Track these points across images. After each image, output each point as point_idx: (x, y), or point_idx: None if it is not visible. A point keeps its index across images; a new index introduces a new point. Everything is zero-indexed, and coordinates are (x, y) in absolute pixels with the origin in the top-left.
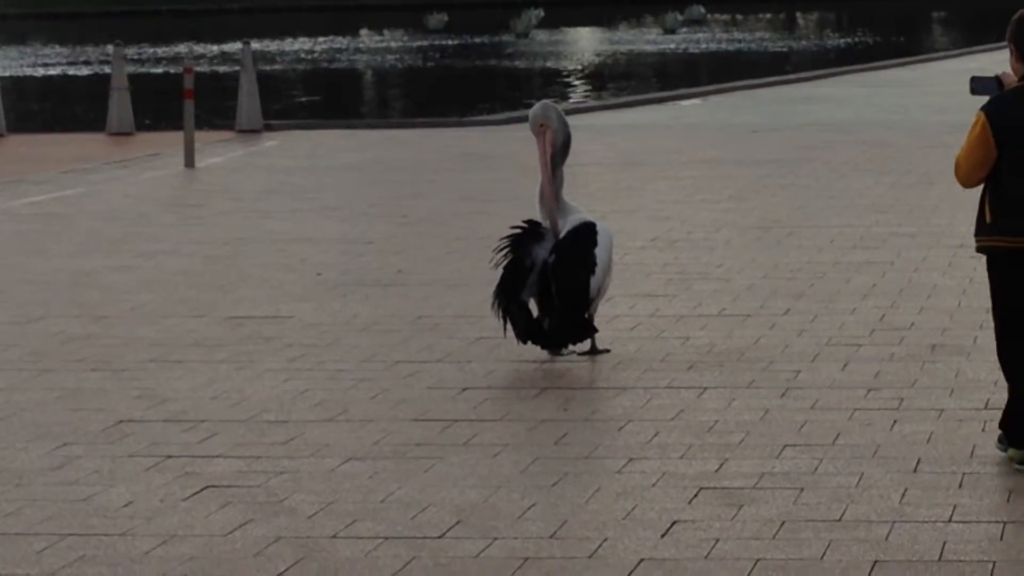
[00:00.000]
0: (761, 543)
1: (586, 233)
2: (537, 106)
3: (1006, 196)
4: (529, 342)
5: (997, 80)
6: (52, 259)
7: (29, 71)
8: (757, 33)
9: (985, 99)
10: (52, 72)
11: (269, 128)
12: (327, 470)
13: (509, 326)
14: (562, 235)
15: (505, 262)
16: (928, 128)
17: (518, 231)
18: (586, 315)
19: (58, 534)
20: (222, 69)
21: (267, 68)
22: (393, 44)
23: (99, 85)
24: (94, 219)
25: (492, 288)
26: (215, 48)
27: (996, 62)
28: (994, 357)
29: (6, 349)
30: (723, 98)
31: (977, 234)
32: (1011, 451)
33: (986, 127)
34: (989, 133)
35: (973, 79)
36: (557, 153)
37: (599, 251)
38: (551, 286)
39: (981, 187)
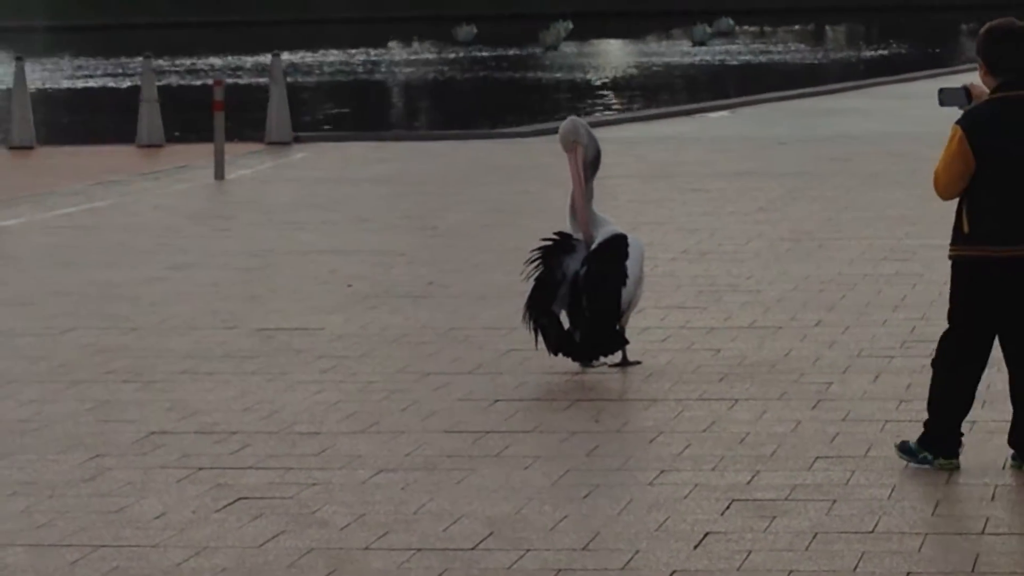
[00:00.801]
0: (794, 555)
1: (617, 245)
2: (567, 122)
3: (983, 207)
4: (560, 354)
5: (965, 91)
6: (82, 271)
7: (59, 83)
8: (786, 45)
9: (954, 109)
10: (82, 84)
11: (298, 140)
12: (359, 482)
13: (540, 338)
14: (593, 247)
15: (536, 274)
16: None
17: (549, 243)
18: (617, 327)
19: (91, 545)
20: (251, 81)
21: (296, 80)
22: (422, 56)
23: (129, 97)
24: (124, 231)
25: (523, 300)
26: (244, 60)
27: None
28: None
29: (37, 361)
30: (752, 110)
31: (953, 243)
32: (940, 461)
33: (964, 141)
34: (967, 146)
35: (941, 90)
36: (587, 167)
37: (630, 263)
38: (582, 298)
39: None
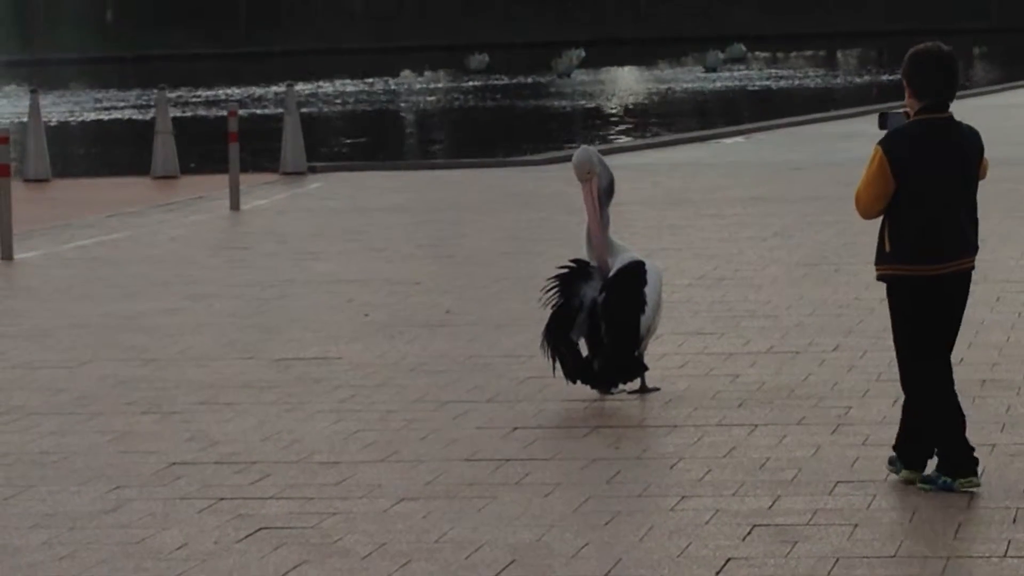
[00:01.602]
0: None
1: (635, 272)
2: (581, 152)
3: (903, 227)
4: (578, 381)
5: (906, 116)
6: (100, 303)
7: (73, 116)
8: (798, 70)
9: None
10: (96, 117)
11: (313, 170)
12: (380, 511)
13: (558, 365)
14: (611, 274)
15: (554, 301)
16: None
17: (566, 271)
18: (636, 353)
19: None
20: (265, 112)
21: (310, 110)
22: (435, 85)
23: (143, 129)
24: (141, 262)
25: (541, 327)
26: (258, 91)
27: None
28: None
29: (56, 393)
30: (766, 135)
31: (877, 263)
32: (904, 472)
33: (884, 161)
34: (887, 167)
35: (881, 115)
36: (603, 195)
37: (648, 290)
38: (601, 325)
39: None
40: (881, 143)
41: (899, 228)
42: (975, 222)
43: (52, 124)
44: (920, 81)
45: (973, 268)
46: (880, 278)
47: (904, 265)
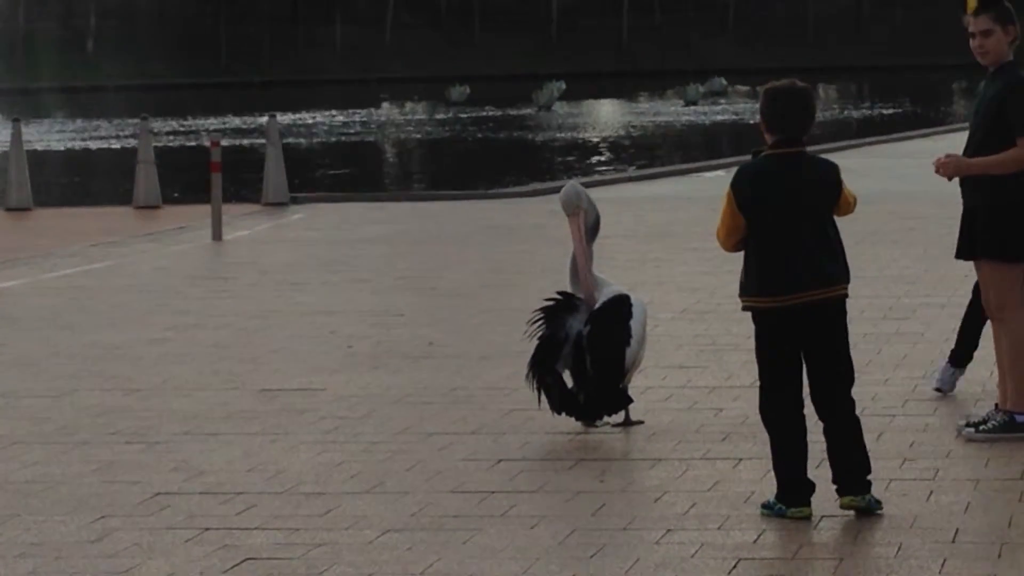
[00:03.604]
0: None
1: (621, 305)
2: (569, 187)
3: (753, 259)
4: (564, 413)
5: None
6: (83, 332)
7: (54, 145)
8: None
9: None
10: (77, 146)
11: (295, 201)
12: (365, 542)
13: (544, 398)
14: (597, 307)
15: (540, 334)
16: (954, 198)
17: (551, 303)
18: (620, 387)
19: None
20: (246, 142)
21: (292, 141)
22: (416, 116)
23: (125, 158)
24: (123, 292)
25: (525, 360)
26: (240, 121)
27: None
28: None
29: (40, 423)
30: None
31: (739, 294)
32: (792, 511)
33: (731, 197)
34: (734, 203)
35: (754, 153)
36: (588, 231)
37: (634, 323)
38: (586, 358)
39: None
40: (731, 179)
41: (750, 260)
42: (837, 253)
43: (33, 153)
44: (771, 116)
45: (837, 298)
46: (744, 309)
47: (754, 297)
